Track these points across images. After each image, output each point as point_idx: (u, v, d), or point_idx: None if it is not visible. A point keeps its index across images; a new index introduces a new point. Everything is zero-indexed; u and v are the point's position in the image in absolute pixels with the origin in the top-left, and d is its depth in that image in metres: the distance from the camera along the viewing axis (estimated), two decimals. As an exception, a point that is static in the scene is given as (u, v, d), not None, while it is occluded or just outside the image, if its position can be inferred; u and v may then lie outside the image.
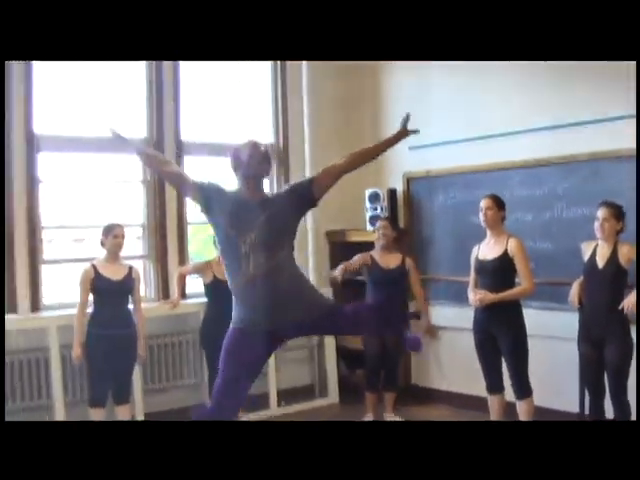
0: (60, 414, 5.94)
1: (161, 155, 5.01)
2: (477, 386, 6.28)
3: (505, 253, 5.53)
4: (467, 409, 6.76)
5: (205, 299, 6.59)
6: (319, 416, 6.99)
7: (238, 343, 3.95)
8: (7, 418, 5.89)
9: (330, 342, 7.47)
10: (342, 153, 4.10)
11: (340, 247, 7.67)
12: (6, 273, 6.05)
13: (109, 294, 5.74)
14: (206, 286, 6.53)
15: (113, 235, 5.75)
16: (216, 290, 6.26)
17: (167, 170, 4.24)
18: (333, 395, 7.51)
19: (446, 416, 6.82)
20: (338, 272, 6.34)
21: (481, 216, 5.64)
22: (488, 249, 5.65)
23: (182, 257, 6.99)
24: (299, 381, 7.59)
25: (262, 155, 3.99)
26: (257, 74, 7.56)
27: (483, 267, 5.64)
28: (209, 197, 3.98)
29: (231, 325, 4.01)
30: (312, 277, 7.43)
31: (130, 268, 5.91)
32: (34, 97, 6.18)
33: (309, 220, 7.43)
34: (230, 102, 7.34)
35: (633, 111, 5.42)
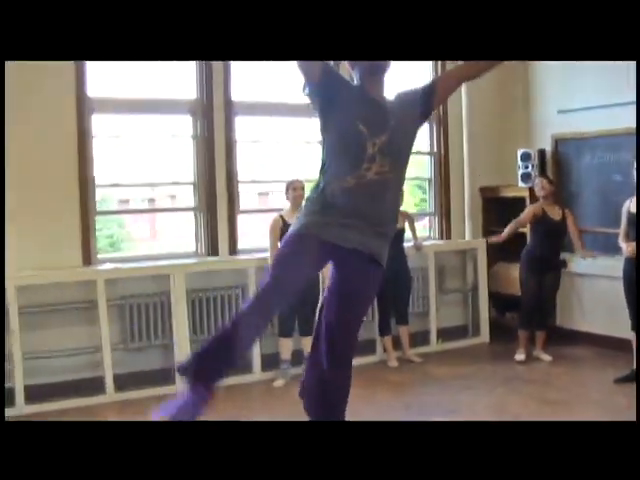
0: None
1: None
2: (616, 328, 6.95)
3: None
4: (607, 348, 7.36)
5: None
6: (472, 353, 7.81)
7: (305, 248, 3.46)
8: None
9: (483, 287, 8.19)
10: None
11: (493, 201, 8.38)
12: (209, 222, 7.06)
13: None
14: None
15: (293, 188, 6.66)
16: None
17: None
18: (484, 335, 8.21)
19: (589, 355, 7.46)
20: (496, 239, 7.19)
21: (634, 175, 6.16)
22: None
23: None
24: (454, 321, 8.31)
25: None
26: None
27: (634, 219, 6.18)
28: (336, 87, 3.42)
29: (301, 230, 3.49)
30: (467, 226, 8.27)
31: None
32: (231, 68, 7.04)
33: (466, 176, 8.17)
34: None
35: None
